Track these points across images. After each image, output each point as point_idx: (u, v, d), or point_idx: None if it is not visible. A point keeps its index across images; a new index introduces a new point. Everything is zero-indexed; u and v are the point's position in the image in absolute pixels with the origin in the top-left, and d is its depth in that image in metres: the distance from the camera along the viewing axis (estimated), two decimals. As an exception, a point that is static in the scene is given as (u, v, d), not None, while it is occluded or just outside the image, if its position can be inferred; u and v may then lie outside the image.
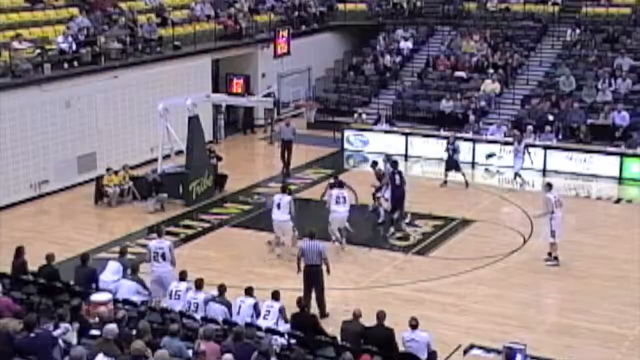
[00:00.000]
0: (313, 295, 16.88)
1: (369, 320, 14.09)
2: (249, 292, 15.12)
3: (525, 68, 33.90)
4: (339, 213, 20.51)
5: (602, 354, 15.79)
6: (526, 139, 26.62)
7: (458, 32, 36.32)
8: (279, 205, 20.04)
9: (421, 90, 33.94)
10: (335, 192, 20.71)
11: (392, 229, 21.91)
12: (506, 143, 28.26)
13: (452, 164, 26.11)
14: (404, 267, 19.75)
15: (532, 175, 26.70)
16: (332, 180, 22.21)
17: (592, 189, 26.46)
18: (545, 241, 19.99)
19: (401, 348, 13.72)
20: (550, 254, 19.84)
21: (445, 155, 26.46)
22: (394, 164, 22.94)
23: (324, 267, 17.00)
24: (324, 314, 16.56)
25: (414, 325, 13.79)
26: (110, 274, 16.27)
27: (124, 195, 24.70)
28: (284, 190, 20.61)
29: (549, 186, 20.43)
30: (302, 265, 17.04)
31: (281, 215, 20.04)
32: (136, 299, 15.40)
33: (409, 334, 13.72)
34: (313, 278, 16.90)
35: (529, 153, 26.13)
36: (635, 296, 18.25)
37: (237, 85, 30.27)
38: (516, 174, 26.07)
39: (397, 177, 22.12)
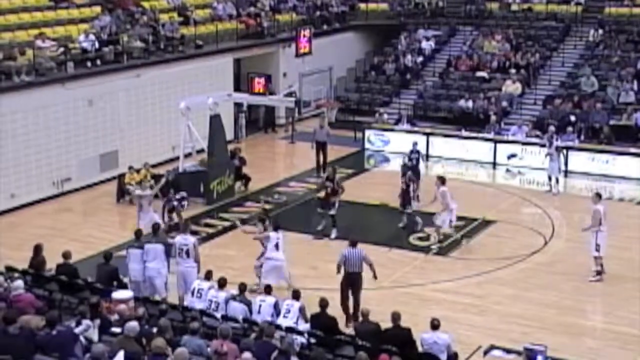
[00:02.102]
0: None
1: (389, 321, 14.07)
2: (268, 290, 15.19)
3: (547, 68, 33.78)
4: (277, 261, 18.02)
5: (622, 356, 15.72)
6: (556, 141, 26.37)
7: (480, 32, 36.22)
8: (277, 245, 18.02)
9: (442, 90, 33.89)
10: (274, 235, 18.14)
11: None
12: (527, 143, 28.21)
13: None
14: (424, 267, 19.73)
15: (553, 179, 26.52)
16: (265, 218, 19.24)
17: (614, 191, 26.31)
18: (589, 255, 19.05)
19: (420, 348, 13.71)
20: (598, 271, 18.96)
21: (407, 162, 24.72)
22: (415, 144, 24.80)
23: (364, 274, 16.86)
24: (357, 318, 16.19)
25: (435, 325, 13.66)
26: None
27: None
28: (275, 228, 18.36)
29: (598, 197, 19.48)
30: (343, 271, 16.79)
31: (279, 255, 18.03)
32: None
33: (430, 335, 13.62)
34: (354, 285, 16.68)
35: (564, 155, 26.00)
36: (655, 298, 18.16)
37: (259, 84, 30.40)
38: (557, 179, 25.74)
39: (415, 156, 24.37)
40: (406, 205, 22.29)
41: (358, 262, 16.67)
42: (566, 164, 26.91)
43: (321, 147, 27.51)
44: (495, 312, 17.55)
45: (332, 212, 21.66)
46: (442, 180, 21.08)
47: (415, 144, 25.31)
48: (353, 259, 16.69)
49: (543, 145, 26.51)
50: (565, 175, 26.84)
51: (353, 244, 16.88)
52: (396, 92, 34.85)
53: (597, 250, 18.81)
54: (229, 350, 12.03)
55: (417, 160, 24.87)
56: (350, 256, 16.71)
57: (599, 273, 18.88)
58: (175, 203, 22.07)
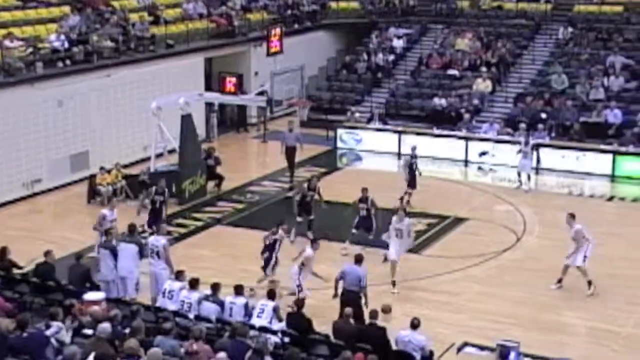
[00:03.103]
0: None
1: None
2: (239, 290, 15.08)
3: (518, 66, 33.93)
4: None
5: (595, 351, 15.82)
6: (532, 139, 26.55)
7: (451, 31, 36.32)
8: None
9: (414, 89, 33.95)
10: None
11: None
12: (499, 141, 28.36)
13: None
14: (399, 266, 19.68)
15: (524, 176, 26.61)
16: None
17: (585, 187, 26.50)
18: (572, 264, 18.36)
19: (395, 346, 13.72)
20: (590, 282, 18.32)
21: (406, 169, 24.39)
22: (413, 149, 24.47)
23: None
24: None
25: (415, 324, 13.69)
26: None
27: (117, 194, 24.66)
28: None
29: (572, 217, 18.55)
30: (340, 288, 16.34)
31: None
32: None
33: (407, 333, 13.64)
34: (350, 305, 15.11)
35: (537, 152, 26.17)
36: (628, 293, 18.32)
37: (230, 83, 30.30)
38: (529, 175, 25.96)
39: (414, 161, 23.97)
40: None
41: (356, 280, 16.07)
42: (538, 161, 27.06)
43: (290, 151, 26.78)
44: (468, 309, 17.60)
45: (312, 216, 21.55)
46: (573, 217, 18.79)
47: (414, 148, 24.73)
48: (351, 276, 16.16)
49: (516, 143, 26.63)
50: (537, 172, 26.98)
51: (357, 261, 16.38)
52: (368, 90, 34.87)
53: (584, 261, 18.20)
54: (202, 350, 11.97)
55: (416, 164, 24.32)
56: (350, 273, 16.24)
57: (590, 283, 18.26)
58: (161, 198, 21.37)
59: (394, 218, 18.82)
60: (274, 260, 18.10)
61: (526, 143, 25.97)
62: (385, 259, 19.02)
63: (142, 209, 21.15)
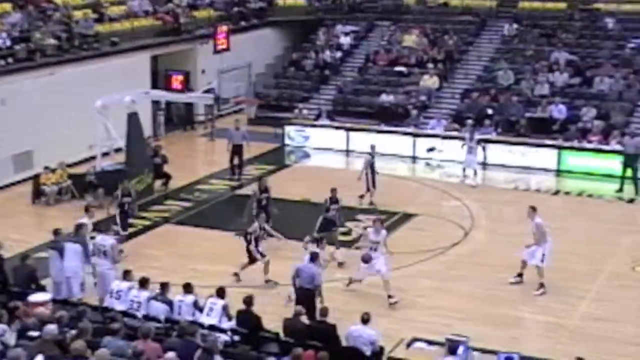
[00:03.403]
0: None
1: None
2: (187, 289, 14.98)
3: (464, 62, 34.17)
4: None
5: (543, 344, 15.98)
6: (477, 134, 26.77)
7: (397, 27, 36.46)
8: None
9: (362, 85, 34.01)
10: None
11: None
12: (446, 137, 28.55)
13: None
14: (347, 262, 19.71)
15: (469, 171, 26.79)
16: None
17: (531, 182, 26.78)
18: (530, 262, 18.32)
19: (345, 342, 13.73)
20: (541, 284, 18.17)
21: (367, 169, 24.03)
22: (373, 147, 24.15)
23: None
24: None
25: (365, 319, 13.81)
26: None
27: (62, 193, 24.33)
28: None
29: (534, 210, 18.51)
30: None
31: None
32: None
33: (357, 328, 13.74)
34: (304, 302, 15.15)
35: (483, 148, 26.34)
36: (574, 287, 18.53)
37: (177, 81, 30.08)
38: (475, 170, 26.15)
39: (374, 160, 23.70)
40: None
41: (310, 278, 15.98)
42: (484, 156, 27.27)
43: (237, 150, 26.73)
44: (418, 304, 17.67)
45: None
46: (535, 210, 18.65)
47: (373, 147, 24.55)
48: (305, 274, 16.12)
49: (462, 139, 26.82)
50: (484, 168, 27.22)
51: (311, 258, 16.37)
52: (315, 87, 34.85)
53: (543, 260, 18.14)
54: (151, 349, 11.84)
55: (374, 163, 24.24)
56: (303, 270, 16.19)
57: (542, 285, 18.22)
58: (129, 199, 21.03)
59: (370, 231, 18.16)
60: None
61: (471, 138, 26.20)
62: (350, 282, 18.23)
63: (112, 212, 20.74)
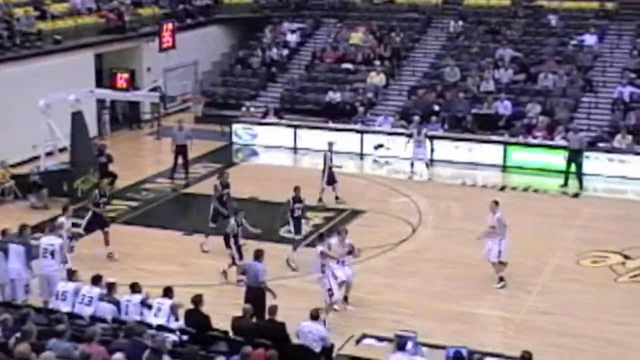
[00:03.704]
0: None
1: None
2: (134, 288, 14.83)
3: (410, 59, 34.33)
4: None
5: (490, 338, 16.12)
6: (425, 129, 26.95)
7: (344, 25, 36.52)
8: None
9: (309, 83, 33.99)
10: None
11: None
12: (393, 134, 28.66)
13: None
14: (296, 260, 19.67)
15: (418, 165, 26.99)
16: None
17: (477, 178, 26.99)
18: (490, 260, 18.47)
19: (296, 339, 13.71)
20: (501, 277, 18.41)
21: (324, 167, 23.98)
22: (330, 144, 24.03)
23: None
24: None
25: (314, 316, 13.88)
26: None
27: (5, 194, 23.92)
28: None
29: (497, 204, 18.66)
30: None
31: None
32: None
33: (307, 324, 13.79)
34: (253, 301, 15.06)
35: (431, 142, 26.49)
36: (520, 281, 18.72)
37: (122, 80, 29.68)
38: (427, 164, 26.42)
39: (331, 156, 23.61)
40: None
41: (254, 276, 15.92)
42: (431, 152, 27.44)
43: (181, 150, 26.32)
44: (367, 301, 17.69)
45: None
46: (497, 204, 18.78)
47: (331, 144, 24.46)
48: (250, 272, 16.04)
49: (409, 135, 26.94)
50: (431, 164, 27.35)
51: (256, 257, 16.21)
52: (263, 85, 34.74)
53: (499, 256, 18.32)
54: (96, 352, 11.66)
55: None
56: (250, 269, 16.13)
57: (502, 279, 18.42)
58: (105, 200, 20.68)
59: (333, 241, 17.42)
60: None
61: (419, 132, 26.40)
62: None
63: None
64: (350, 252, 17.25)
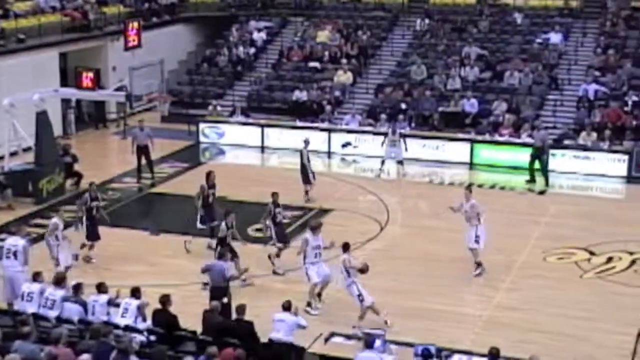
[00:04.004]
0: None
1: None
2: (101, 288, 14.73)
3: (377, 58, 34.38)
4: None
5: (458, 335, 16.17)
6: (400, 128, 27.07)
7: (311, 23, 36.50)
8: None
9: (276, 82, 33.92)
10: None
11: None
12: (361, 132, 28.69)
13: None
14: (264, 258, 19.60)
15: (391, 164, 27.05)
16: None
17: (445, 175, 27.09)
18: (469, 246, 18.86)
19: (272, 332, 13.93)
20: (479, 263, 18.83)
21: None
22: (306, 142, 24.08)
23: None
24: None
25: (286, 307, 14.24)
26: None
27: (-32, 195, 23.65)
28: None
29: (470, 191, 19.36)
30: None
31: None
32: None
33: (279, 315, 14.19)
34: (218, 300, 14.96)
35: (404, 141, 26.53)
36: (487, 277, 18.83)
37: (87, 79, 29.42)
38: (401, 161, 26.47)
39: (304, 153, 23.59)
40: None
41: (220, 275, 15.82)
42: (405, 149, 27.51)
43: (143, 151, 26.05)
44: (335, 299, 17.66)
45: (216, 222, 20.08)
46: (471, 190, 19.56)
47: (307, 141, 24.40)
48: (215, 272, 15.95)
49: (379, 134, 27.03)
50: (398, 162, 27.37)
51: (220, 256, 16.23)
52: (229, 84, 34.62)
53: (477, 242, 18.66)
54: (63, 354, 11.55)
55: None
56: (213, 268, 16.03)
57: (479, 265, 18.81)
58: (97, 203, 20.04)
59: (310, 237, 17.42)
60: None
61: (394, 131, 26.44)
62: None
63: (79, 222, 19.67)
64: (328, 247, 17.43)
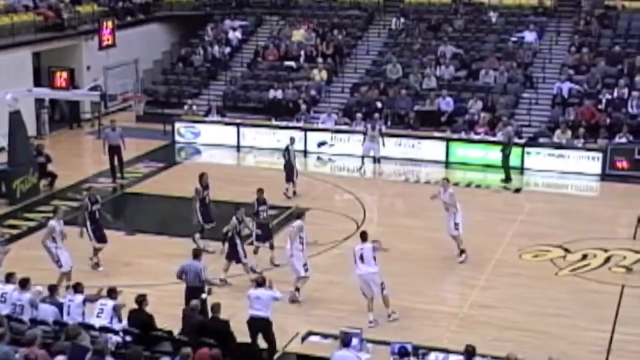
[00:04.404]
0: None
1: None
2: (77, 288, 14.64)
3: (353, 56, 34.39)
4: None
5: (434, 333, 16.19)
6: (379, 125, 27.18)
7: (286, 22, 36.46)
8: (362, 257, 16.76)
9: (251, 81, 33.85)
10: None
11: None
12: (337, 131, 28.71)
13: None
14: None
15: (368, 161, 27.11)
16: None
17: (421, 174, 27.15)
18: (450, 234, 19.56)
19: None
20: (462, 250, 19.48)
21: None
22: (292, 140, 24.49)
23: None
24: None
25: (260, 283, 14.71)
26: None
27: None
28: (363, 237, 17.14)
29: (447, 181, 20.36)
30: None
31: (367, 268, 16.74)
32: None
33: (255, 292, 14.59)
34: (192, 299, 14.95)
35: (382, 138, 26.59)
36: (463, 275, 18.91)
37: (61, 78, 29.21)
38: (379, 159, 26.67)
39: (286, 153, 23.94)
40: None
41: (195, 275, 15.78)
42: (383, 145, 27.58)
43: (115, 151, 25.85)
44: (312, 298, 17.69)
45: (213, 224, 20.27)
46: (448, 181, 20.54)
47: (292, 140, 24.67)
48: (190, 272, 15.88)
49: (358, 132, 27.07)
50: (374, 162, 27.42)
51: (194, 256, 16.13)
52: (205, 83, 34.52)
53: (457, 229, 19.39)
54: (37, 356, 11.46)
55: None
56: (188, 268, 15.96)
57: (463, 252, 19.43)
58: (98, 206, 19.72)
59: (299, 223, 17.81)
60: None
61: (373, 127, 26.59)
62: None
63: (83, 227, 19.25)
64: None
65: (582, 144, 27.09)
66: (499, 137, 26.57)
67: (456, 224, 19.37)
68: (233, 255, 18.27)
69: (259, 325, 14.59)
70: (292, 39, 35.09)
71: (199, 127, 30.42)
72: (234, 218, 18.26)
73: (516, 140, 26.77)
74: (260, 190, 19.69)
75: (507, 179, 25.88)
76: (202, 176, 20.49)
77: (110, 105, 32.11)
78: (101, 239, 19.32)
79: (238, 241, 18.23)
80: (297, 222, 17.85)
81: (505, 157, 26.00)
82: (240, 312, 14.98)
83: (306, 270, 17.62)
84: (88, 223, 19.20)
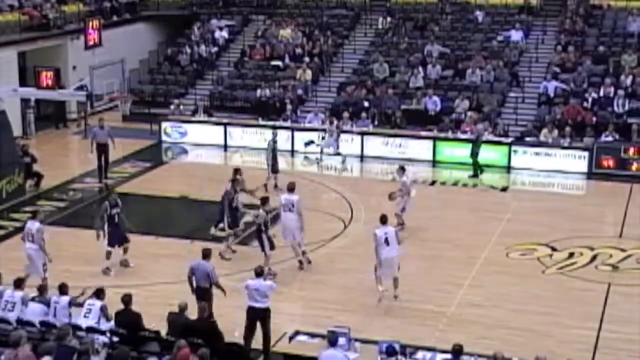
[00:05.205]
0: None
1: (194, 313, 13.90)
2: (62, 290, 14.58)
3: (340, 56, 34.40)
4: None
5: (422, 332, 16.20)
6: (344, 125, 27.53)
7: (273, 21, 36.43)
8: (387, 240, 17.26)
9: (238, 80, 33.82)
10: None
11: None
12: (324, 130, 28.69)
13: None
14: (230, 254, 19.53)
15: (350, 161, 27.09)
16: None
17: (408, 173, 27.06)
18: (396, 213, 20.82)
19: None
20: (401, 223, 20.81)
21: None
22: (275, 134, 24.90)
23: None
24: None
25: (259, 273, 14.89)
26: None
27: None
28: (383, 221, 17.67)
29: (402, 170, 21.42)
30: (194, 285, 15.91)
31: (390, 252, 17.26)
32: None
33: (254, 282, 14.68)
34: (202, 299, 15.07)
35: (338, 134, 27.16)
36: (451, 274, 18.92)
37: (47, 78, 29.16)
38: (338, 153, 27.21)
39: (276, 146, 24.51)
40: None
41: (205, 275, 15.69)
42: (362, 148, 27.54)
43: (102, 149, 25.63)
44: (299, 298, 17.69)
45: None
46: (403, 170, 21.63)
47: (275, 133, 25.12)
48: (199, 272, 15.79)
49: (345, 132, 27.21)
50: (361, 160, 27.46)
51: (204, 256, 16.00)
52: (191, 82, 34.48)
53: (402, 211, 20.95)
54: (23, 357, 11.40)
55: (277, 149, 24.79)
56: (197, 269, 15.87)
57: (401, 224, 20.68)
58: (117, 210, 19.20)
59: (286, 195, 19.11)
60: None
61: (331, 122, 27.48)
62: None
63: (101, 230, 18.97)
64: None
65: (569, 142, 27.16)
66: (475, 135, 26.75)
67: (404, 208, 20.98)
68: (261, 247, 18.53)
69: (258, 314, 14.75)
70: (279, 39, 35.07)
71: (185, 127, 30.36)
72: (260, 210, 18.49)
73: (485, 138, 26.95)
74: (234, 181, 19.94)
75: (475, 175, 26.07)
76: (234, 181, 20.14)
77: (96, 105, 32.11)
78: (113, 241, 19.02)
79: (265, 235, 18.47)
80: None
81: (475, 154, 26.14)
82: (229, 312, 14.89)
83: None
84: (106, 225, 18.94)
